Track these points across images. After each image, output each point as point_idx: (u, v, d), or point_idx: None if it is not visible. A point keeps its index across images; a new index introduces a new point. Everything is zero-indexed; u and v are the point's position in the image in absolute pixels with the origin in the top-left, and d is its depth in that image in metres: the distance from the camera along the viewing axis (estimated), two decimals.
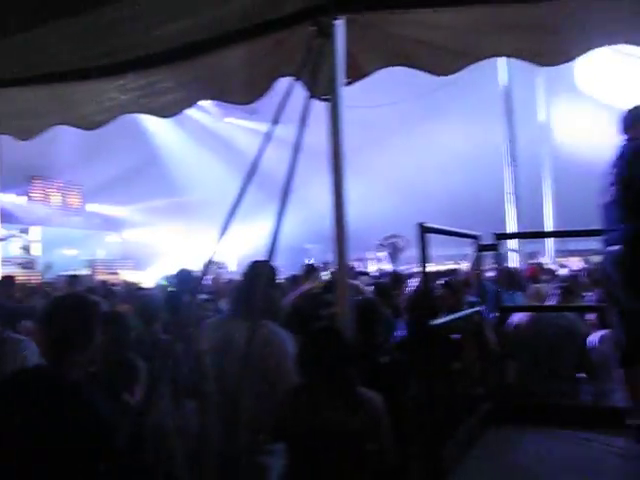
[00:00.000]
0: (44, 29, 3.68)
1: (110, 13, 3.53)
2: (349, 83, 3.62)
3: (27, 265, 21.55)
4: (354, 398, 3.32)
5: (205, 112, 23.30)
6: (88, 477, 2.64)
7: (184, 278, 7.65)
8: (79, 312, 2.89)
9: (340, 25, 3.37)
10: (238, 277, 4.35)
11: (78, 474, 2.62)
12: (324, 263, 12.10)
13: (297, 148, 3.05)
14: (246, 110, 24.21)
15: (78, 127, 4.33)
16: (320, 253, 19.90)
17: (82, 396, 2.74)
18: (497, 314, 5.12)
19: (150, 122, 20.14)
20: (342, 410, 3.27)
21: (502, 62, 14.62)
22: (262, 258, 4.28)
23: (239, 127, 26.16)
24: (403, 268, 13.23)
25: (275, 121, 3.22)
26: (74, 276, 10.05)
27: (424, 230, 3.43)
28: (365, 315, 4.36)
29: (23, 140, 4.60)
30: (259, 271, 4.06)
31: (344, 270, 3.40)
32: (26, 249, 21.97)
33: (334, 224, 3.34)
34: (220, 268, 16.42)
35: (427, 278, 3.98)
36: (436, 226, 3.76)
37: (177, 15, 3.52)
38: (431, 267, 4.36)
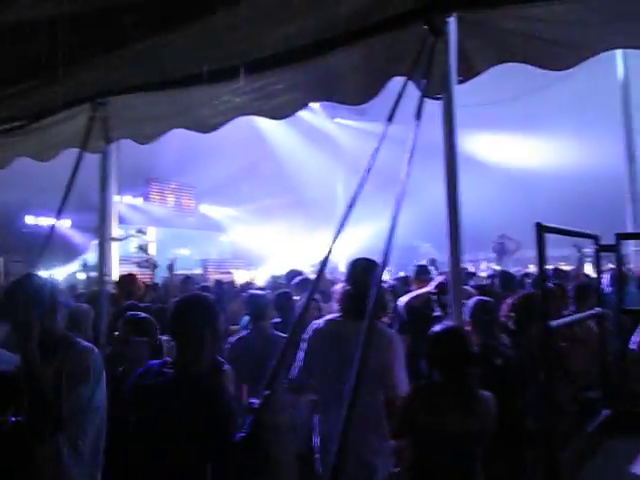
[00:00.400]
0: (160, 37, 3.80)
1: (224, 18, 3.61)
2: (461, 81, 3.57)
3: (143, 264, 22.35)
4: (474, 399, 3.32)
5: (314, 113, 23.47)
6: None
7: (294, 278, 7.80)
8: (207, 313, 3.32)
9: (452, 23, 3.33)
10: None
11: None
12: (432, 260, 11.98)
13: (412, 148, 3.03)
14: (355, 111, 24.31)
15: (194, 130, 4.47)
16: (431, 251, 19.64)
17: (219, 391, 3.27)
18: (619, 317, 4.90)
19: (262, 123, 20.46)
20: (463, 411, 3.26)
21: (619, 54, 14.05)
22: (370, 258, 4.32)
23: (348, 127, 26.25)
24: (515, 269, 12.95)
25: (389, 121, 3.21)
26: (188, 276, 10.34)
27: (542, 230, 3.33)
28: (481, 317, 4.30)
29: (143, 144, 4.78)
30: (366, 270, 4.07)
31: (459, 272, 3.35)
32: (142, 249, 22.76)
33: (448, 225, 3.30)
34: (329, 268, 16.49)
35: (545, 279, 3.85)
36: (555, 226, 3.63)
37: (289, 18, 3.56)
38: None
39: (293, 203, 25.58)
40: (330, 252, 3.17)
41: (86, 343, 3.28)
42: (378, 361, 3.86)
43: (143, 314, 4.45)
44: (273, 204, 26.02)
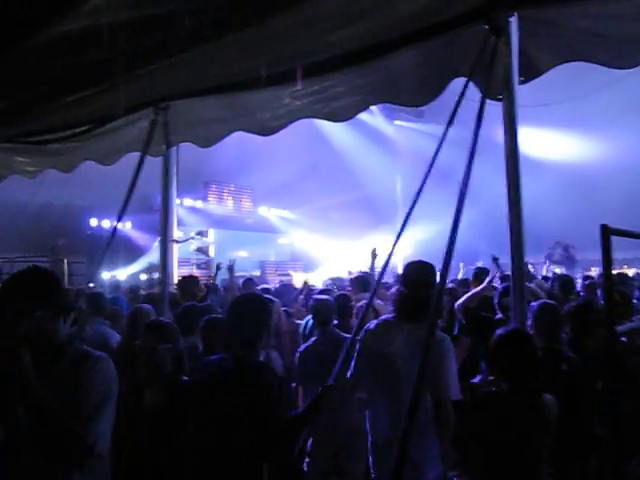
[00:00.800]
0: (219, 42, 3.84)
1: (282, 22, 3.62)
2: (523, 82, 3.51)
3: (203, 266, 22.66)
4: (539, 404, 3.26)
5: (373, 115, 23.44)
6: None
7: (359, 280, 7.80)
8: (262, 313, 3.70)
9: (513, 22, 3.29)
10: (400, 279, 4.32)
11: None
12: (495, 258, 11.81)
13: (472, 149, 2.99)
14: (413, 112, 24.21)
15: (255, 133, 4.49)
16: (490, 253, 19.45)
17: (275, 378, 3.60)
18: None
19: (321, 125, 20.53)
20: (527, 416, 3.21)
21: None
22: (426, 260, 4.28)
23: (407, 129, 26.16)
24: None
25: (450, 122, 3.18)
26: (250, 278, 10.41)
27: (608, 232, 3.25)
28: (546, 320, 4.22)
29: (203, 147, 4.84)
30: (422, 273, 4.04)
31: (521, 273, 3.30)
32: (202, 251, 23.05)
33: (510, 226, 3.25)
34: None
35: (612, 284, 3.74)
36: (621, 228, 3.53)
37: (349, 20, 3.55)
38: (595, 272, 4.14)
39: (351, 205, 25.58)
40: (391, 254, 3.16)
41: (99, 352, 2.86)
42: (427, 364, 3.84)
43: (166, 320, 4.42)
44: (331, 206, 26.07)
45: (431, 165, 3.20)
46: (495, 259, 8.00)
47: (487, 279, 6.28)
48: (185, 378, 3.73)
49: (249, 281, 9.33)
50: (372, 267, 8.79)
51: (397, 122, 26.65)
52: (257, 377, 3.55)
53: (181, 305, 6.03)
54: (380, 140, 25.50)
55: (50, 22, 3.73)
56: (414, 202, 3.15)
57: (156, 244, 19.57)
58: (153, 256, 19.46)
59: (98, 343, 5.15)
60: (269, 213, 28.29)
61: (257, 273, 22.39)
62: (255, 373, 3.58)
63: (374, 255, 9.03)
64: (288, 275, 21.52)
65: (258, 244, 26.22)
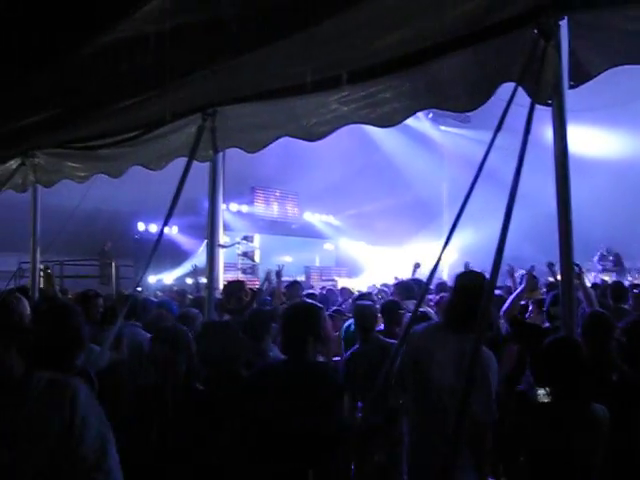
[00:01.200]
0: (266, 48, 3.87)
1: (328, 28, 3.64)
2: (573, 86, 3.46)
3: (248, 271, 22.80)
4: (589, 415, 3.19)
5: (419, 120, 23.36)
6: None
7: (404, 287, 7.77)
8: (310, 320, 3.92)
9: (563, 26, 3.24)
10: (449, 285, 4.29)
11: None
12: (550, 264, 11.63)
13: (522, 155, 2.96)
14: (459, 118, 24.07)
15: (301, 138, 4.50)
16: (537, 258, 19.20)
17: (327, 377, 3.88)
18: None
19: (366, 130, 20.51)
20: (577, 427, 3.15)
21: None
22: (477, 271, 4.23)
23: (453, 135, 26.03)
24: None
25: (498, 127, 3.15)
26: (296, 281, 10.41)
27: None
28: (596, 329, 4.15)
29: (250, 153, 4.87)
30: (472, 283, 3.99)
31: (570, 280, 3.24)
32: (247, 255, 23.19)
33: (560, 232, 3.20)
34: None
35: None
36: None
37: (395, 26, 3.55)
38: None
39: (396, 210, 25.49)
40: (439, 261, 3.13)
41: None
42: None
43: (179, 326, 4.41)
44: (376, 211, 26.00)
45: (479, 172, 3.16)
46: (550, 265, 7.88)
47: (522, 285, 6.22)
48: (200, 387, 3.77)
49: (295, 284, 9.31)
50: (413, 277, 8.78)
51: (443, 127, 26.54)
52: (312, 378, 3.79)
53: (230, 309, 6.11)
54: (426, 145, 25.40)
55: (101, 30, 3.81)
56: (461, 209, 3.12)
57: (202, 248, 19.80)
58: (199, 260, 19.66)
59: (131, 346, 5.24)
60: (314, 218, 28.32)
61: (302, 278, 22.44)
62: (310, 375, 3.81)
63: (417, 266, 9.00)
64: (333, 280, 21.51)
65: (303, 249, 26.27)
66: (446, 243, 3.16)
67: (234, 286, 7.31)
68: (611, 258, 19.38)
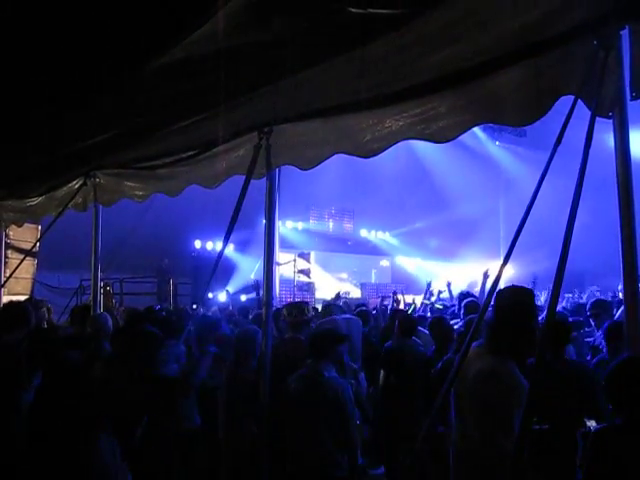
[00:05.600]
0: (320, 66, 3.89)
1: (381, 46, 3.64)
2: (635, 97, 3.36)
3: (304, 288, 22.86)
4: None
5: (473, 135, 23.18)
6: None
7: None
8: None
9: (625, 36, 3.16)
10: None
11: None
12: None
13: (582, 169, 2.89)
14: (514, 132, 23.78)
15: (356, 155, 4.46)
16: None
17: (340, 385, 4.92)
18: None
19: (420, 146, 20.41)
20: None
21: None
22: (521, 285, 4.13)
23: (509, 149, 25.75)
24: None
25: (558, 141, 3.08)
26: (329, 304, 10.43)
27: None
28: None
29: (304, 170, 4.86)
30: (513, 301, 3.89)
31: (635, 297, 3.09)
32: (303, 272, 23.27)
33: (624, 249, 3.09)
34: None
35: None
36: None
37: (451, 41, 3.52)
38: None
39: (451, 226, 25.30)
40: (499, 277, 3.07)
41: None
42: (500, 401, 3.69)
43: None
44: (432, 227, 25.87)
45: (538, 186, 3.10)
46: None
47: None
48: None
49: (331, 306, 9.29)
50: (483, 289, 8.72)
51: (498, 143, 26.27)
52: (327, 386, 4.88)
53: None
54: (481, 161, 25.16)
55: (158, 52, 3.88)
56: (520, 227, 3.06)
57: (257, 265, 19.93)
58: (254, 277, 19.78)
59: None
60: (370, 235, 28.31)
61: (358, 295, 22.41)
62: (327, 383, 4.89)
63: (486, 276, 8.92)
64: (389, 297, 21.40)
65: (360, 266, 26.26)
66: (506, 259, 3.09)
67: (296, 305, 7.31)
68: None
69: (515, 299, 3.87)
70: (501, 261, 3.21)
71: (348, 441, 4.86)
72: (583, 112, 3.13)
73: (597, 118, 3.06)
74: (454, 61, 3.58)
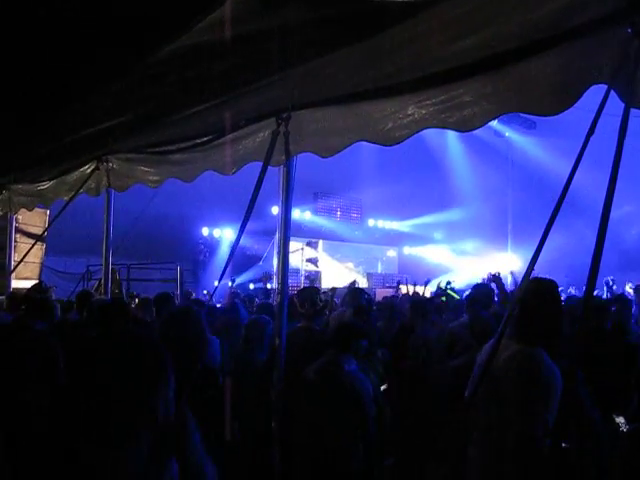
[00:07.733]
0: (340, 52, 3.80)
1: (403, 31, 3.55)
2: None
3: (311, 276, 22.87)
4: None
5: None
6: None
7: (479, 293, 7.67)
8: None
9: None
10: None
11: None
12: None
13: (617, 161, 2.80)
14: (524, 124, 23.64)
15: (377, 143, 4.38)
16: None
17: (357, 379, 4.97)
18: None
19: (431, 136, 20.28)
20: None
21: None
22: (545, 278, 4.06)
23: (519, 140, 25.61)
24: None
25: (590, 132, 3.00)
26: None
27: None
28: None
29: (324, 157, 4.79)
30: (537, 293, 3.84)
31: None
32: (311, 261, 23.27)
33: None
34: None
35: None
36: None
37: (475, 28, 3.43)
38: None
39: (461, 218, 25.24)
40: (529, 273, 3.00)
41: None
42: (517, 390, 3.62)
43: None
44: (441, 219, 25.80)
45: (568, 184, 3.01)
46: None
47: None
48: None
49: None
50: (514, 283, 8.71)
51: (507, 134, 26.12)
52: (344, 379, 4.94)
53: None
54: (491, 151, 25.04)
55: (174, 36, 3.80)
56: (550, 221, 2.98)
57: (266, 253, 19.89)
58: (264, 265, 19.76)
59: None
60: (378, 225, 28.26)
61: (365, 285, 22.36)
62: (344, 376, 4.93)
63: (497, 279, 8.84)
64: (394, 287, 21.39)
65: (367, 256, 26.23)
66: (536, 254, 3.01)
67: (309, 291, 7.27)
68: None
69: (539, 291, 3.82)
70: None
71: (365, 435, 4.81)
72: (590, 102, 3.06)
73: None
74: (480, 48, 3.50)
